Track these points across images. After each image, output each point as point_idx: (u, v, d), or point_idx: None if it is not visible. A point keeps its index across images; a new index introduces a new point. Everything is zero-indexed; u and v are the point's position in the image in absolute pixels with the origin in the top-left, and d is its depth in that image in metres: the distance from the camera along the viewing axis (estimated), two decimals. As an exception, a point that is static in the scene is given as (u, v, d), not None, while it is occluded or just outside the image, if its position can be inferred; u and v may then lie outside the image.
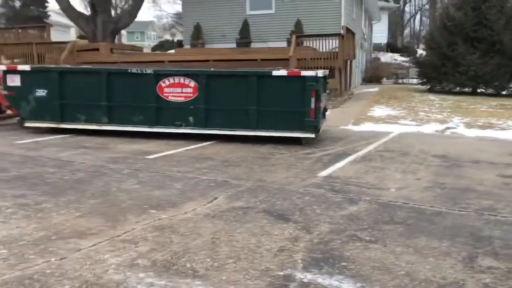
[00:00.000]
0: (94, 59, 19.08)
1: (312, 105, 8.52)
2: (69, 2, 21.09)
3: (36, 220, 4.48)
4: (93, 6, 20.63)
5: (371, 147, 8.68)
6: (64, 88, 9.50)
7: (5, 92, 9.92)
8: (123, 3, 52.39)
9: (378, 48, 42.12)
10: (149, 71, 9.16)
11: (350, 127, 11.33)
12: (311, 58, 15.98)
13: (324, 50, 16.62)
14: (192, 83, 8.98)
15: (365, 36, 29.02)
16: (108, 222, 4.45)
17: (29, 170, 6.55)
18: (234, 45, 20.60)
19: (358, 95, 18.66)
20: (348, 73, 20.43)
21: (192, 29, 21.29)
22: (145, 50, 30.68)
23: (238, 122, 8.89)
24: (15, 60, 19.86)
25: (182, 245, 3.90)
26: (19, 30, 20.93)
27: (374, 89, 22.37)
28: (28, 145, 8.47)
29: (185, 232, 4.21)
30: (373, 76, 30.91)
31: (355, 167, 7.00)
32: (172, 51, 22.37)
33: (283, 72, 8.76)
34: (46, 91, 9.55)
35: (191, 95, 9.02)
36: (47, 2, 43.66)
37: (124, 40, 71.87)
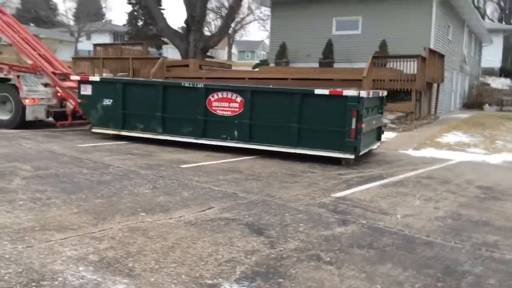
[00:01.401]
0: (182, 74, 20.19)
1: (353, 126, 8.32)
2: (166, 21, 22.64)
3: (36, 212, 4.93)
4: (187, 25, 21.90)
5: (413, 173, 8.23)
6: (126, 99, 10.25)
7: (79, 100, 10.94)
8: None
9: (489, 72, 39.41)
10: (200, 85, 9.58)
11: (409, 151, 10.80)
12: (389, 80, 15.48)
13: (409, 72, 15.99)
14: (239, 99, 9.23)
15: (466, 59, 27.37)
16: (94, 220, 4.77)
17: (67, 170, 7.18)
18: (317, 65, 20.63)
19: (443, 120, 17.65)
20: (434, 96, 19.49)
21: (278, 48, 21.70)
22: (239, 68, 31.74)
23: (280, 139, 8.95)
24: (119, 74, 21.71)
25: (140, 247, 4.08)
26: (122, 46, 22.82)
27: (466, 115, 21.04)
28: (85, 149, 9.25)
29: (153, 236, 4.39)
30: (474, 101, 29.07)
31: (378, 191, 6.71)
32: (257, 69, 22.92)
33: (325, 91, 8.67)
34: (111, 100, 10.37)
35: (237, 110, 9.26)
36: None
37: (235, 59, 75.05)
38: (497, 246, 4.57)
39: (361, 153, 8.71)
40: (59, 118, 12.24)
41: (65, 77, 12.35)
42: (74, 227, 4.54)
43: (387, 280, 3.64)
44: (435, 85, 19.21)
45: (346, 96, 8.38)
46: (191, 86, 9.68)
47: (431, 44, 19.18)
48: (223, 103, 9.39)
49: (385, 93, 10.43)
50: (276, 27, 22.76)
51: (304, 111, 8.73)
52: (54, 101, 12.04)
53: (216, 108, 9.45)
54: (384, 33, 19.52)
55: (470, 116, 19.90)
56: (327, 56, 20.48)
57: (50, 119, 12.51)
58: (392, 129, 13.79)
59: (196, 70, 21.00)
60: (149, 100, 10.02)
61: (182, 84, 9.88)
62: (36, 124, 11.97)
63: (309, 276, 3.65)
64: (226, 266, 3.76)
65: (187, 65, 21.30)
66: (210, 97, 9.47)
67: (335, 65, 20.44)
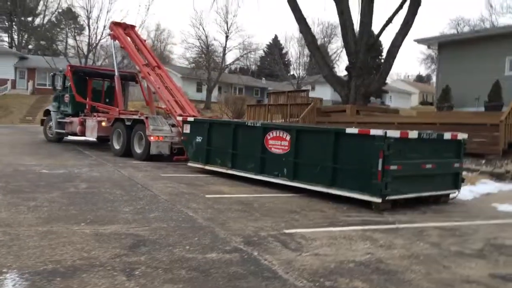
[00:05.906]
0: (339, 119, 20.56)
1: (379, 167, 7.72)
2: (329, 69, 23.50)
3: (13, 212, 6.29)
4: (349, 72, 22.27)
5: (442, 224, 7.16)
6: (211, 136, 11.39)
7: (182, 138, 12.57)
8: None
9: None
10: (258, 124, 10.10)
11: (501, 205, 9.12)
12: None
13: None
14: (288, 137, 9.43)
15: None
16: (39, 223, 5.84)
17: (108, 189, 8.52)
18: (483, 109, 18.56)
19: None
20: None
21: (441, 92, 20.28)
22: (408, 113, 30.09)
23: (316, 178, 8.81)
24: (292, 119, 23.31)
25: (19, 243, 4.96)
26: (288, 93, 24.49)
27: None
28: (160, 178, 10.55)
29: (50, 237, 5.21)
30: None
31: (346, 234, 6.20)
32: (415, 113, 21.69)
33: (354, 130, 8.27)
34: (201, 138, 11.65)
35: (287, 148, 9.46)
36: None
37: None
38: (337, 292, 4.03)
39: (393, 198, 7.94)
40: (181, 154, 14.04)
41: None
42: (14, 225, 5.69)
43: (142, 295, 3.76)
44: None
45: (373, 136, 7.88)
46: (252, 125, 10.28)
47: None
48: (276, 141, 9.71)
49: (463, 136, 9.20)
50: (442, 70, 21.37)
51: (338, 150, 8.47)
52: (176, 139, 13.91)
53: (271, 146, 9.82)
54: None
55: None
56: (493, 99, 18.26)
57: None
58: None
59: (353, 115, 21.09)
60: (225, 138, 10.95)
61: (246, 123, 10.55)
62: (161, 158, 13.99)
63: (85, 280, 4.01)
64: (41, 263, 4.36)
65: (344, 110, 21.60)
66: (267, 135, 9.89)
67: (504, 109, 18.04)
